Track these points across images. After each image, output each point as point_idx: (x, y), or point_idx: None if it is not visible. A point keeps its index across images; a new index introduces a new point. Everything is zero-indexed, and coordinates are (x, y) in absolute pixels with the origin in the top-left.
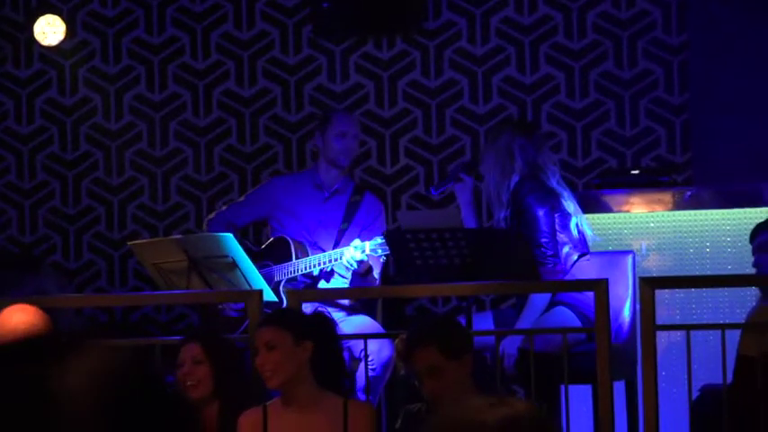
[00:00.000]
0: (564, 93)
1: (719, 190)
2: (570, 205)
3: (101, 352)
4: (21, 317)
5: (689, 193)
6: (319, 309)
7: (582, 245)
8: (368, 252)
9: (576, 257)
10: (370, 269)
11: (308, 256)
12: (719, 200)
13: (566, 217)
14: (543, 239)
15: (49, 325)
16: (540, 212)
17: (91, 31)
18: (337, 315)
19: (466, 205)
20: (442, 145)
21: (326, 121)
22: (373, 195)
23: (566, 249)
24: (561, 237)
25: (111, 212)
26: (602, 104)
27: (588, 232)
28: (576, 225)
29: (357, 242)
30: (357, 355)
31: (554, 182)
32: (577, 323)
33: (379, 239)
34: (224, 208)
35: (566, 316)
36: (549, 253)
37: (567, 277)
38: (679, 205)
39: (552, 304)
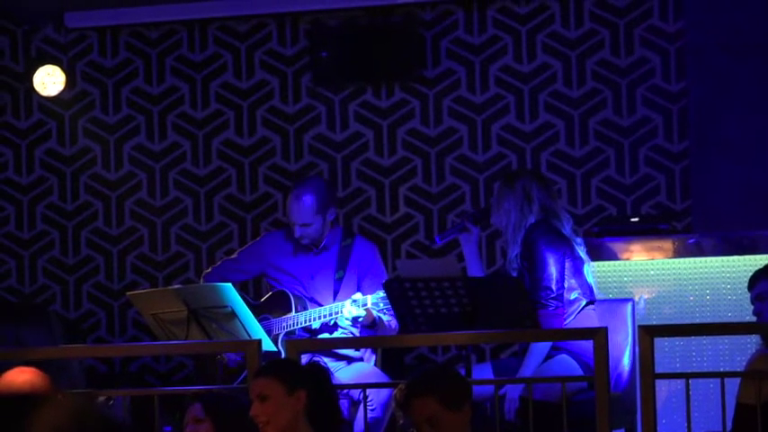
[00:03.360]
0: (563, 141)
1: (719, 237)
2: (582, 252)
3: (65, 405)
4: (22, 378)
5: (692, 240)
6: (314, 359)
7: (591, 292)
8: (369, 306)
9: (584, 303)
10: (375, 321)
11: (306, 309)
12: (719, 247)
13: (579, 262)
14: (548, 282)
15: (50, 386)
16: (550, 257)
17: (90, 82)
18: (336, 365)
19: (471, 255)
20: (442, 193)
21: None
22: (363, 238)
23: (574, 294)
24: (572, 282)
25: (111, 262)
26: (601, 152)
27: (592, 281)
28: (588, 272)
29: (358, 296)
30: (357, 398)
31: (568, 228)
32: (579, 371)
33: (380, 293)
34: (219, 263)
35: (567, 364)
36: (552, 296)
37: (574, 324)
38: (679, 253)
39: (554, 350)
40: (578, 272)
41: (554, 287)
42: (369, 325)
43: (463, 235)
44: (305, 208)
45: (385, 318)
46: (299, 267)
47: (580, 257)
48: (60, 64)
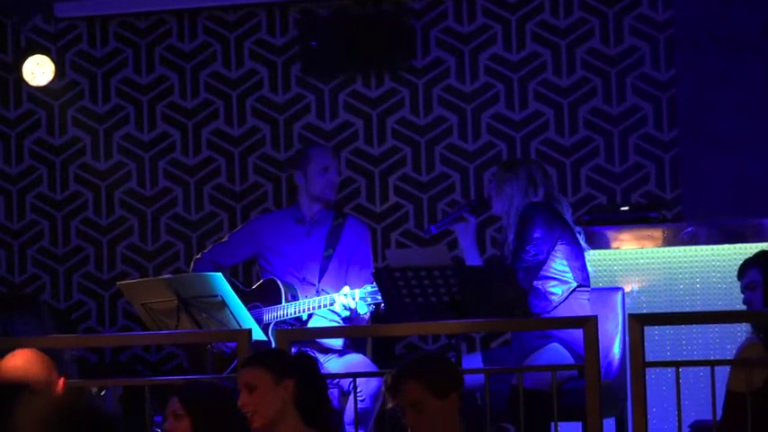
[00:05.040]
0: (553, 129)
1: (709, 226)
2: (582, 240)
3: (49, 396)
4: (17, 362)
5: (682, 229)
6: (303, 349)
7: (586, 278)
8: (357, 300)
9: (574, 286)
10: (355, 314)
11: (297, 298)
12: (710, 236)
13: (577, 248)
14: (524, 253)
15: (51, 368)
16: (539, 230)
17: (80, 71)
18: (326, 357)
19: (469, 245)
20: (432, 182)
21: (306, 157)
22: (356, 218)
23: (566, 277)
24: (563, 265)
25: (101, 252)
26: (591, 141)
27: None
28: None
29: (347, 289)
30: (346, 388)
31: (568, 216)
32: (570, 360)
33: (369, 288)
34: (209, 248)
35: (558, 353)
36: (524, 265)
37: (565, 312)
38: (669, 242)
39: (544, 338)
40: (575, 257)
41: (529, 257)
42: (350, 318)
43: (459, 225)
44: (335, 154)
45: (363, 311)
46: (290, 247)
47: (579, 244)
48: (49, 54)
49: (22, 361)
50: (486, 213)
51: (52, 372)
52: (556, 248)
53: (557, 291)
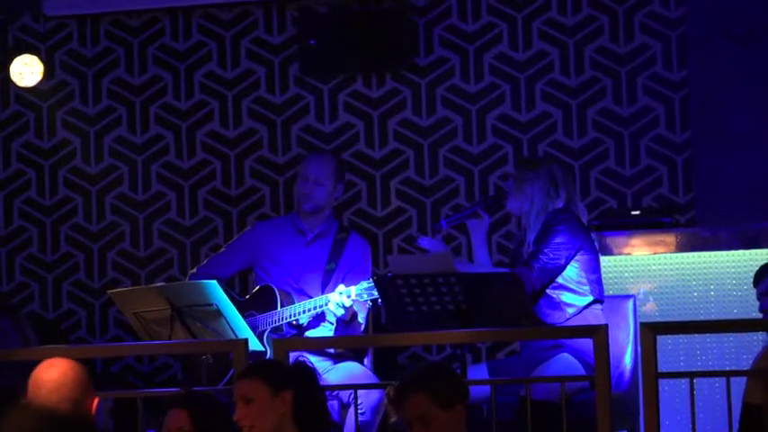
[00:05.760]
0: (561, 131)
1: (724, 230)
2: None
3: (35, 409)
4: (53, 374)
5: (696, 234)
6: (300, 357)
7: (600, 291)
8: (353, 297)
9: (589, 300)
10: (354, 315)
11: (293, 303)
12: (724, 241)
13: (596, 258)
14: (548, 250)
15: (87, 385)
16: (563, 239)
17: (69, 72)
18: (324, 364)
19: (480, 243)
20: (435, 186)
21: (300, 163)
22: (359, 235)
23: (584, 289)
24: (582, 277)
25: (91, 259)
26: (600, 143)
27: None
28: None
29: (342, 287)
30: (346, 401)
31: (584, 220)
32: (580, 370)
33: (365, 284)
34: (205, 261)
35: (567, 363)
36: (538, 265)
37: (578, 322)
38: (682, 247)
39: (554, 347)
40: (593, 269)
41: (547, 259)
42: (348, 320)
43: (473, 221)
44: (324, 164)
45: (360, 315)
46: (290, 257)
47: (598, 256)
48: (38, 53)
49: (58, 373)
50: (499, 213)
51: (88, 389)
52: (576, 258)
53: (573, 302)
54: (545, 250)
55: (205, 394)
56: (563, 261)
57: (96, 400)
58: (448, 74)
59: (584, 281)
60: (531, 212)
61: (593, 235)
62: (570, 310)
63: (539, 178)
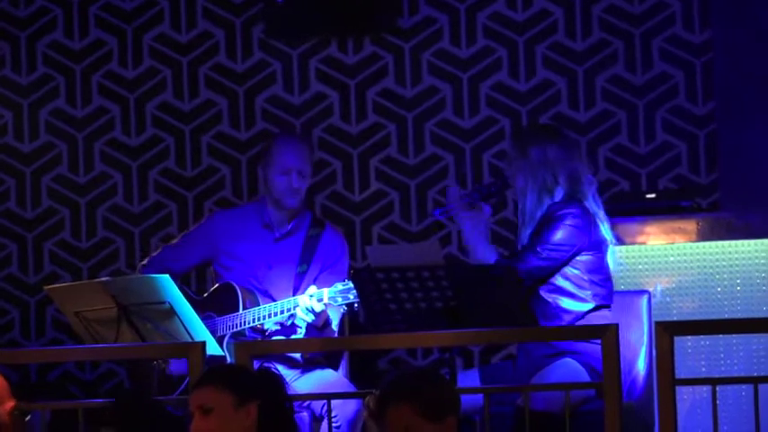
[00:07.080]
0: (565, 102)
1: (752, 216)
2: (606, 230)
3: None
4: None
5: (720, 220)
6: (266, 365)
7: (606, 296)
8: (326, 301)
9: (591, 307)
10: (328, 322)
11: (258, 305)
12: (752, 228)
13: (601, 257)
14: (540, 246)
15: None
16: (564, 235)
17: (2, 38)
18: (292, 372)
19: (476, 242)
20: (421, 166)
21: (268, 150)
22: (335, 229)
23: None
24: (594, 278)
25: (25, 251)
26: (611, 116)
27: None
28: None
29: (313, 289)
30: (319, 413)
31: (590, 197)
32: (586, 377)
33: (339, 285)
34: (157, 252)
35: (572, 369)
36: (543, 256)
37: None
38: (704, 235)
39: (557, 354)
40: (599, 269)
41: (545, 254)
42: (321, 327)
43: (467, 213)
44: (302, 151)
45: (334, 321)
46: (254, 254)
47: (605, 249)
48: None
49: None
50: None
51: (3, 395)
52: (578, 259)
53: (572, 308)
54: (537, 248)
55: (140, 402)
56: (561, 259)
57: (11, 405)
58: (435, 36)
59: (587, 284)
60: (527, 204)
61: (603, 216)
62: (567, 318)
63: (529, 167)
